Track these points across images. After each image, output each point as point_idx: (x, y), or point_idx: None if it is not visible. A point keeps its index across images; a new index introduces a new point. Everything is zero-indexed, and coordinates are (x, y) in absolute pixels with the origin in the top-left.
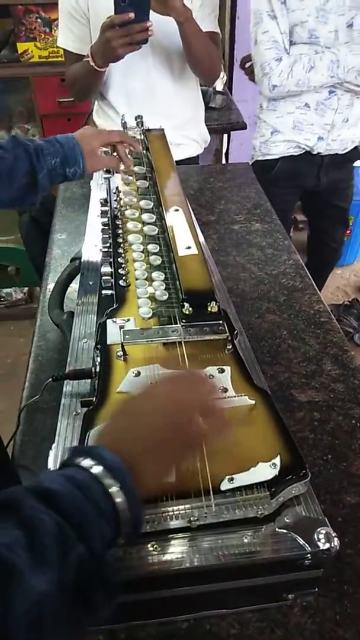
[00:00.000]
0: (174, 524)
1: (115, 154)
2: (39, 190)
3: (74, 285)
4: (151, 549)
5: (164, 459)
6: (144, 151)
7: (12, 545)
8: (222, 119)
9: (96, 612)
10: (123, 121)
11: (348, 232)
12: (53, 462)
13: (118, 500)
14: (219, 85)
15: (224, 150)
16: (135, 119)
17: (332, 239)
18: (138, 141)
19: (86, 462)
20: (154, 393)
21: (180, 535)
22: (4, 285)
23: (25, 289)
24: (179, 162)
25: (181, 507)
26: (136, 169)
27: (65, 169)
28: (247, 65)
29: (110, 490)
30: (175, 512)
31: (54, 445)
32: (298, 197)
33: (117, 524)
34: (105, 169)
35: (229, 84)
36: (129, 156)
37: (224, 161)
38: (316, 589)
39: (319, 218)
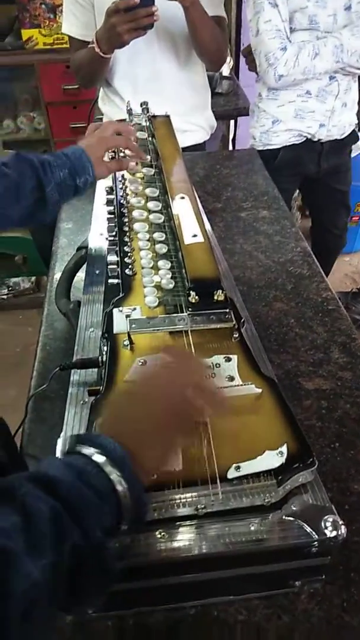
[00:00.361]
0: (181, 511)
1: (122, 154)
2: (48, 205)
3: (81, 274)
4: (159, 536)
5: (164, 442)
6: (150, 138)
7: (9, 531)
8: (229, 105)
9: (89, 595)
10: (128, 108)
11: (356, 218)
12: (61, 450)
13: (119, 487)
14: (226, 70)
15: (231, 137)
16: (141, 106)
17: (335, 225)
18: (141, 151)
19: (87, 450)
20: (143, 378)
21: (187, 522)
22: (12, 275)
23: (33, 278)
24: (185, 149)
25: (188, 494)
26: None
27: (76, 180)
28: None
29: (110, 476)
30: (183, 500)
31: (62, 434)
32: (298, 185)
33: (119, 510)
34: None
35: (235, 69)
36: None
37: (230, 147)
38: (323, 576)
39: (320, 205)
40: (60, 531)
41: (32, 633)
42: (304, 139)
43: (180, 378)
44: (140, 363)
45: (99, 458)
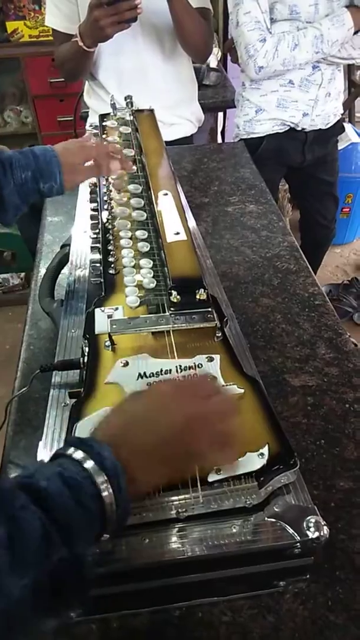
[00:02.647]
0: (162, 515)
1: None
2: (8, 207)
3: (66, 272)
4: (140, 540)
5: (161, 468)
6: (133, 133)
7: None
8: (217, 97)
9: (67, 605)
10: (112, 102)
11: (347, 210)
12: (42, 454)
13: (106, 499)
14: (213, 62)
15: (220, 129)
16: (125, 99)
17: (323, 216)
18: (128, 160)
19: (79, 455)
20: (166, 400)
21: (169, 526)
22: (0, 271)
23: (22, 274)
24: (172, 143)
25: (169, 498)
26: (125, 151)
27: (39, 184)
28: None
29: (100, 488)
30: (163, 504)
31: (43, 437)
32: (282, 175)
33: (104, 522)
34: None
35: (223, 60)
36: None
37: (219, 140)
38: (307, 576)
39: (307, 196)
40: (47, 549)
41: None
42: (288, 127)
43: (205, 417)
44: (122, 364)
45: (93, 468)
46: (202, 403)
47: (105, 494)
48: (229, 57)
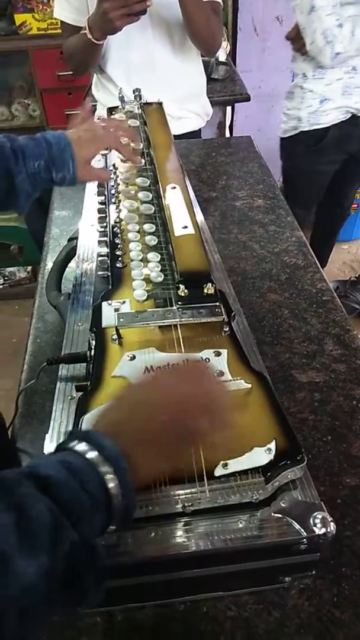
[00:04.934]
0: (169, 509)
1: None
2: (19, 195)
3: (73, 265)
4: (146, 534)
5: (162, 451)
6: (142, 126)
7: (3, 531)
8: (225, 91)
9: (85, 597)
10: (120, 95)
11: (355, 206)
12: (48, 447)
13: (112, 489)
14: (222, 55)
15: (228, 123)
16: (133, 92)
17: (346, 196)
18: (137, 152)
19: (81, 447)
20: (158, 384)
21: (175, 520)
22: (7, 265)
23: (29, 267)
24: (180, 137)
25: (175, 492)
26: (133, 145)
27: (52, 173)
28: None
29: (105, 477)
30: (170, 498)
31: (49, 430)
32: (338, 166)
33: (110, 511)
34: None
35: (232, 54)
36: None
37: (227, 134)
38: (313, 572)
39: (346, 183)
40: (57, 534)
41: (28, 634)
42: (350, 115)
43: (194, 392)
44: (129, 358)
45: (96, 458)
46: (194, 384)
47: (109, 482)
48: (237, 51)
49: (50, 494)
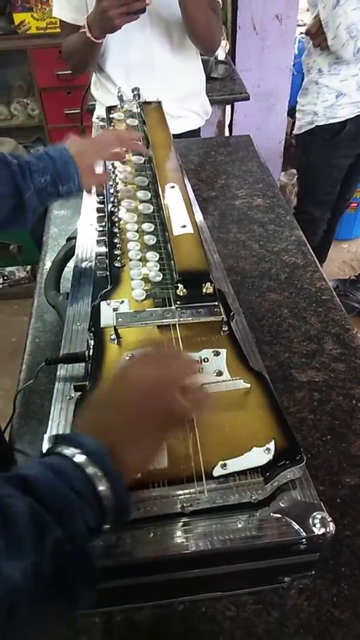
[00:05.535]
0: (167, 509)
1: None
2: (27, 211)
3: (72, 265)
4: (144, 534)
5: (147, 441)
6: (141, 125)
7: None
8: (225, 90)
9: (75, 599)
10: (119, 94)
11: (354, 205)
12: (46, 447)
13: (100, 487)
14: (221, 54)
15: (227, 122)
16: (132, 91)
17: (350, 188)
18: (142, 145)
19: (66, 450)
20: (128, 375)
21: (173, 520)
22: (7, 264)
23: (28, 267)
24: (179, 136)
25: (174, 493)
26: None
27: (58, 187)
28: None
29: (91, 476)
30: (168, 498)
31: (47, 430)
32: (352, 161)
33: (101, 510)
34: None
35: (231, 53)
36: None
37: (227, 133)
38: (312, 572)
39: (349, 172)
40: (39, 531)
41: (17, 634)
42: None
43: (166, 376)
44: (128, 358)
45: (79, 457)
46: (162, 367)
47: (97, 482)
48: (237, 50)
49: (31, 493)
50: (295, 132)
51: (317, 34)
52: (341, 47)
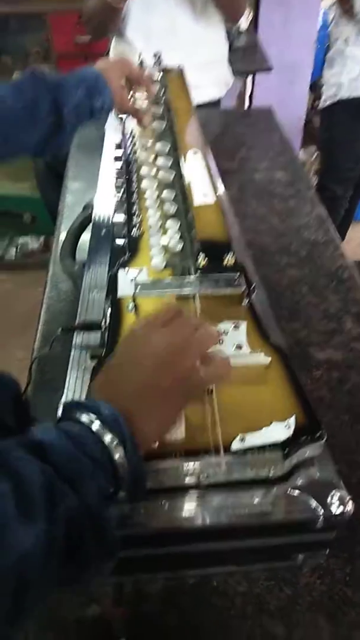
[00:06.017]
0: (184, 481)
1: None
2: (66, 129)
3: (88, 234)
4: (159, 505)
5: (164, 410)
6: (162, 91)
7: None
8: (246, 61)
9: (89, 567)
10: (140, 59)
11: None
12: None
13: (117, 455)
14: (244, 23)
15: (248, 94)
16: (154, 56)
17: None
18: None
19: (84, 417)
20: (147, 340)
21: (189, 492)
22: (20, 234)
23: (42, 238)
24: (198, 106)
25: (190, 464)
26: (153, 109)
27: (92, 101)
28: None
29: (106, 443)
30: (185, 470)
31: (62, 399)
32: None
33: (116, 478)
34: None
35: (254, 23)
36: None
37: (247, 105)
38: (327, 551)
39: None
40: (52, 496)
41: (28, 606)
42: None
43: (187, 344)
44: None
45: (96, 424)
46: (183, 331)
47: (109, 442)
48: (260, 20)
49: (46, 458)
50: (320, 105)
51: (347, 3)
52: None
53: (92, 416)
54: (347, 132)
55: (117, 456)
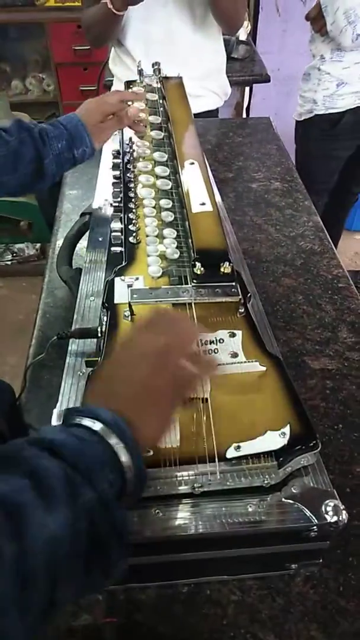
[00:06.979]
0: (177, 489)
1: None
2: (46, 176)
3: (84, 242)
4: (153, 513)
5: (158, 410)
6: (160, 100)
7: (20, 490)
8: (245, 71)
9: (109, 566)
10: (139, 68)
11: None
12: (55, 423)
13: (123, 458)
14: (243, 34)
15: (245, 104)
16: (153, 66)
17: (357, 183)
18: (139, 93)
19: (86, 422)
20: (132, 344)
21: (183, 501)
22: (16, 241)
23: (38, 244)
24: (197, 115)
25: (185, 473)
26: (151, 118)
27: (73, 151)
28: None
29: (113, 446)
30: (179, 478)
31: (57, 405)
32: (352, 152)
33: (123, 481)
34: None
35: (253, 34)
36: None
37: (244, 115)
38: (320, 560)
39: (353, 165)
40: (72, 489)
41: (59, 592)
42: None
43: (169, 343)
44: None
45: (100, 428)
46: (165, 332)
47: (115, 446)
48: (258, 31)
49: (59, 456)
50: (294, 117)
51: (316, 19)
52: (339, 32)
53: (94, 421)
54: (322, 148)
55: (123, 459)
